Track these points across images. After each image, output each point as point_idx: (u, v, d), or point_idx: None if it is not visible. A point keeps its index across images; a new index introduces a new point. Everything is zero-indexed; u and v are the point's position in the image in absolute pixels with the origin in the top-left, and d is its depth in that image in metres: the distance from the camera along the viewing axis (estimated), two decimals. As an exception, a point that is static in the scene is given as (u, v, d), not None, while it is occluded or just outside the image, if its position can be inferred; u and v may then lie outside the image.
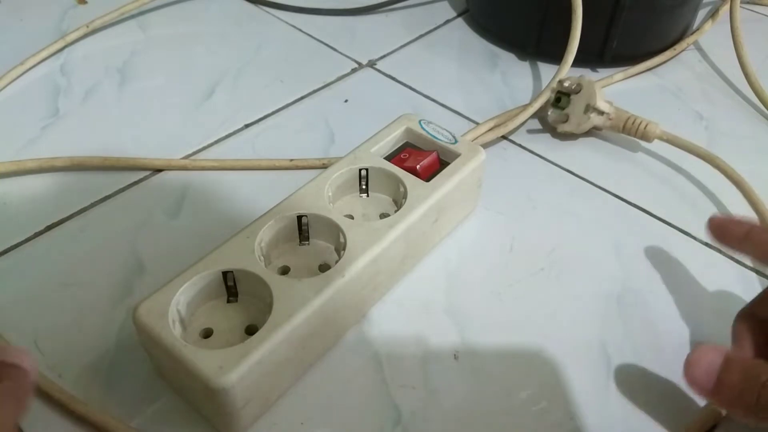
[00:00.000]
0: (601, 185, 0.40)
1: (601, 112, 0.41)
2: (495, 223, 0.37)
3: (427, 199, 0.32)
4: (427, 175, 0.33)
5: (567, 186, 0.40)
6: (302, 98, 0.46)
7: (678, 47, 0.51)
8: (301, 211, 0.31)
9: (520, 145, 0.43)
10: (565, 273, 0.35)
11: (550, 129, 0.44)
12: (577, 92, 0.42)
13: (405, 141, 0.36)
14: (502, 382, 0.30)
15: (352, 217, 0.32)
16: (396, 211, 0.31)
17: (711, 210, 0.39)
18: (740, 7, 0.49)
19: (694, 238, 0.37)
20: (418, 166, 0.33)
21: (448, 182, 0.33)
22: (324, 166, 0.40)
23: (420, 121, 0.36)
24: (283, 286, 0.27)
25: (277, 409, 0.28)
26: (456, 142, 0.35)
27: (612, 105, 0.42)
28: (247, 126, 0.44)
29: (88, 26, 0.51)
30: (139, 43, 0.52)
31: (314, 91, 0.47)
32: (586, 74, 0.49)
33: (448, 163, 0.34)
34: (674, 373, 0.30)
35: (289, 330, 0.26)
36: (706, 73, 0.51)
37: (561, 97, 0.43)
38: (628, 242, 0.36)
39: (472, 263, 0.35)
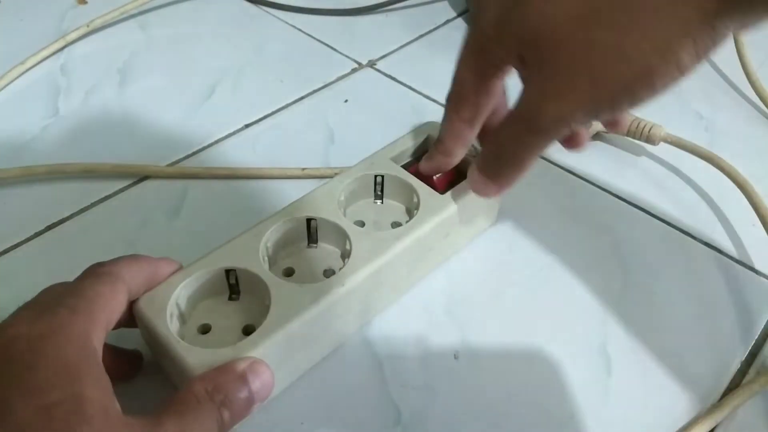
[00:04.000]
0: (605, 187, 0.40)
1: None
2: (496, 222, 0.37)
3: (439, 211, 0.31)
4: (445, 186, 0.32)
5: (570, 187, 0.40)
6: (302, 98, 0.46)
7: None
8: (311, 214, 0.30)
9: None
10: (566, 273, 0.34)
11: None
12: None
13: (426, 149, 0.34)
14: (502, 382, 0.30)
15: (363, 224, 0.32)
16: (408, 222, 0.31)
17: (715, 211, 0.39)
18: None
19: (696, 239, 0.37)
20: (435, 177, 0.32)
21: (464, 196, 0.31)
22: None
23: None
24: (282, 289, 0.27)
25: (277, 409, 0.28)
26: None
27: None
28: (247, 126, 0.44)
29: (88, 26, 0.51)
30: (139, 43, 0.52)
31: (314, 91, 0.47)
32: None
33: None
34: (675, 373, 0.30)
35: (283, 335, 0.26)
36: (706, 73, 0.51)
37: None
38: (630, 243, 0.36)
39: (473, 263, 0.35)
